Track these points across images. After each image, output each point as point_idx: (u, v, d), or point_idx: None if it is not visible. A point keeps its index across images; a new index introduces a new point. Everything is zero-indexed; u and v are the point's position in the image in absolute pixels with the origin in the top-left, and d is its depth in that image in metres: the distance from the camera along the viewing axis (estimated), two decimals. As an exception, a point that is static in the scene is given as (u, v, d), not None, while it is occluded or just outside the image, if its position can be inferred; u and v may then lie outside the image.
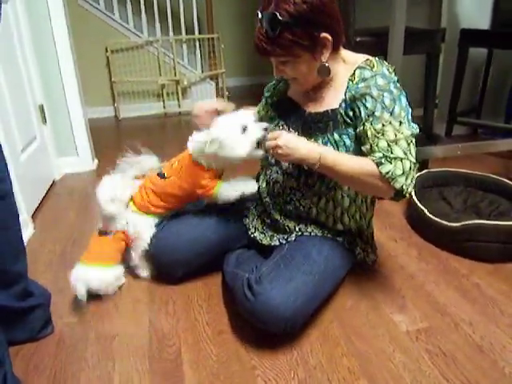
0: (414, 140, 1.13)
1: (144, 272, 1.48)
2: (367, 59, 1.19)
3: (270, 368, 1.11)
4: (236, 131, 1.23)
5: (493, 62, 2.75)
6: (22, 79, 2.11)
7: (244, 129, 1.23)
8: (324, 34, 1.09)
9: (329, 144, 1.20)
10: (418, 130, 1.15)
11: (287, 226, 1.34)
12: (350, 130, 1.18)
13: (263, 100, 1.45)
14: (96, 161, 2.67)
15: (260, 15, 1.09)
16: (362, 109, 1.14)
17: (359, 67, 1.17)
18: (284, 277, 1.15)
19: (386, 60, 1.84)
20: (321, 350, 1.16)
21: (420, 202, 1.71)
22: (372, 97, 1.12)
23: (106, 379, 1.10)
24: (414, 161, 1.11)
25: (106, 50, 3.76)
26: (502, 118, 2.88)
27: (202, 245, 1.40)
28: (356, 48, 1.90)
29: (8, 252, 1.07)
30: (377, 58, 1.20)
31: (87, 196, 2.26)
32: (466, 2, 2.68)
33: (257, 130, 1.22)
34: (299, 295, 1.13)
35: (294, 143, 1.12)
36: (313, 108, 1.26)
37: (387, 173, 1.08)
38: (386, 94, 1.12)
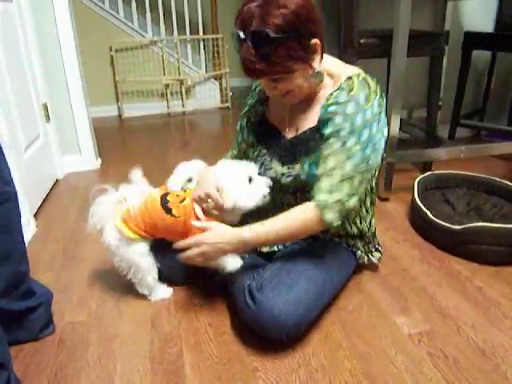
0: (354, 178, 1.09)
1: (144, 290, 1.39)
2: (350, 77, 1.13)
3: (272, 370, 1.11)
4: (244, 183, 1.20)
5: (496, 65, 2.75)
6: (26, 77, 2.11)
7: (250, 179, 1.21)
8: (314, 40, 1.05)
9: (315, 164, 1.16)
10: (374, 164, 1.13)
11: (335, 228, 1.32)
12: None
13: (241, 132, 1.40)
14: (99, 160, 2.68)
15: (243, 35, 1.00)
16: (324, 132, 1.13)
17: (340, 88, 1.12)
18: (285, 284, 1.14)
19: (389, 62, 1.86)
20: (323, 352, 1.16)
21: (423, 204, 1.71)
22: (333, 124, 1.10)
23: (107, 380, 1.10)
24: (340, 197, 1.09)
25: (111, 49, 3.77)
26: (505, 121, 2.88)
27: None
28: (360, 50, 1.92)
29: (15, 254, 1.08)
30: (361, 77, 1.12)
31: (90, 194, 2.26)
32: (469, 5, 2.68)
33: (262, 183, 1.22)
34: (301, 302, 1.12)
35: (215, 244, 1.13)
36: (294, 130, 1.24)
37: (317, 203, 1.10)
38: (346, 125, 1.08)
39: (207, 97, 4.11)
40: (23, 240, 1.13)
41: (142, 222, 1.26)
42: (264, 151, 1.30)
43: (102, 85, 3.81)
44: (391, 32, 1.80)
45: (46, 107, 2.33)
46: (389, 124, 1.90)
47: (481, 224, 1.50)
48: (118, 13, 3.77)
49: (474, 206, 1.81)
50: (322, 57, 1.12)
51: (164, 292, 1.40)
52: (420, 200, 1.75)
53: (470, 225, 1.51)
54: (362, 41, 1.94)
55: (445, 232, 1.58)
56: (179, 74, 3.94)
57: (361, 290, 1.41)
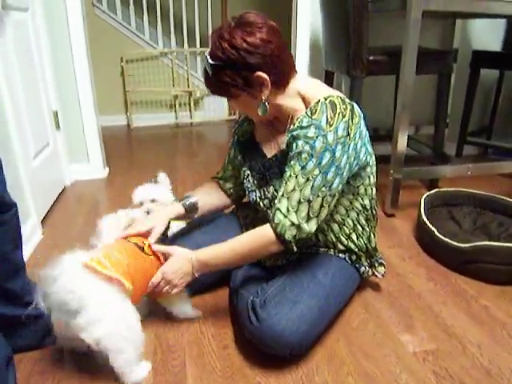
0: (312, 202, 1.09)
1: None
2: (317, 101, 1.12)
3: (275, 385, 1.10)
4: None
5: (504, 84, 2.76)
6: (38, 85, 2.14)
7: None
8: (259, 74, 1.08)
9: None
10: (337, 189, 1.12)
11: (291, 248, 1.33)
12: None
13: (233, 150, 1.46)
14: (107, 169, 2.70)
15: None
16: (288, 155, 1.15)
17: (306, 112, 1.13)
18: (289, 301, 1.14)
19: (398, 79, 1.87)
20: (326, 368, 1.15)
21: (429, 222, 1.71)
22: (296, 146, 1.11)
23: (110, 389, 1.10)
24: (296, 222, 1.09)
25: (122, 60, 3.81)
26: (513, 140, 2.88)
27: None
28: (368, 66, 1.94)
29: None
30: (328, 101, 1.10)
31: (97, 203, 2.28)
32: (478, 24, 2.70)
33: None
34: (304, 320, 1.11)
35: (174, 268, 1.18)
36: (269, 152, 1.29)
37: (275, 223, 1.11)
38: (306, 148, 1.08)
39: (215, 109, 4.14)
40: (16, 256, 1.13)
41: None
42: (248, 172, 1.34)
43: (112, 94, 3.85)
44: (400, 49, 1.82)
45: (56, 115, 2.35)
46: (396, 140, 1.91)
47: (488, 243, 1.50)
48: (130, 24, 3.83)
49: (481, 224, 1.80)
50: (279, 88, 1.15)
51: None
52: (426, 217, 1.74)
53: (478, 243, 1.50)
54: (370, 58, 1.95)
55: (452, 250, 1.57)
56: (188, 86, 3.98)
57: (365, 306, 1.40)
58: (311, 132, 1.08)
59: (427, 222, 1.71)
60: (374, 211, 1.35)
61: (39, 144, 2.08)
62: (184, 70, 3.98)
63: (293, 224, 1.09)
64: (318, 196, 1.09)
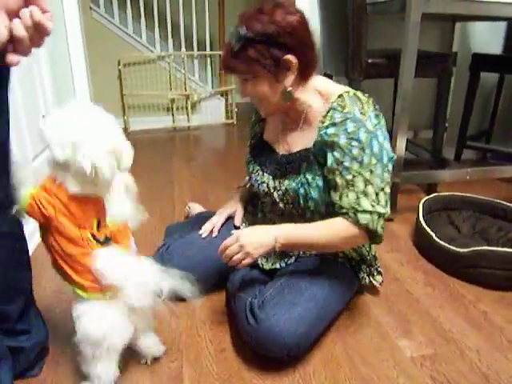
0: (385, 188, 1.13)
1: None
2: (340, 95, 1.13)
3: (272, 389, 1.09)
4: None
5: (504, 87, 2.75)
6: (36, 90, 2.13)
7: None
8: (288, 56, 1.07)
9: (301, 185, 1.19)
10: (391, 167, 1.15)
11: (290, 252, 1.33)
12: (323, 170, 1.16)
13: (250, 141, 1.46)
14: (104, 172, 2.68)
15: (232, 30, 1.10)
16: (329, 157, 1.12)
17: (332, 108, 1.13)
18: (287, 302, 1.13)
19: (397, 82, 1.87)
20: (323, 372, 1.14)
21: (428, 226, 1.70)
22: (340, 146, 1.09)
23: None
24: (383, 211, 1.12)
25: (119, 63, 3.81)
26: (512, 144, 2.87)
27: (206, 268, 1.38)
28: (367, 69, 1.93)
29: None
30: (351, 94, 1.14)
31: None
32: (478, 26, 2.70)
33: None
34: (302, 322, 1.11)
35: (254, 235, 1.15)
36: (287, 149, 1.26)
37: (365, 224, 1.11)
38: (354, 143, 1.08)
39: (213, 112, 4.13)
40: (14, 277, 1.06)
41: None
42: (257, 167, 1.33)
43: (109, 98, 3.83)
44: (399, 52, 1.82)
45: (53, 118, 2.34)
46: (395, 144, 1.90)
47: (487, 248, 1.49)
48: (127, 27, 3.83)
49: (480, 229, 1.80)
50: (303, 79, 1.14)
51: None
52: (425, 221, 1.74)
53: (476, 248, 1.49)
54: (369, 60, 1.95)
55: (450, 255, 1.56)
56: (185, 90, 3.97)
57: (363, 311, 1.39)
58: (350, 126, 1.09)
59: (425, 227, 1.70)
60: None
61: (38, 147, 2.07)
62: (181, 73, 3.97)
63: (379, 215, 1.11)
64: (386, 182, 1.12)
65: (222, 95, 4.16)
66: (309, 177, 1.17)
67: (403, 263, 1.69)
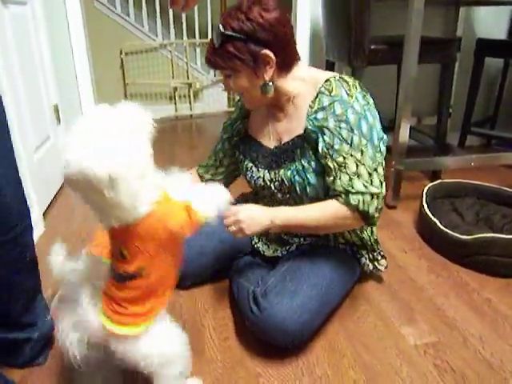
0: (378, 168, 1.12)
1: None
2: (327, 80, 1.14)
3: (275, 376, 1.10)
4: None
5: (509, 73, 2.72)
6: (38, 79, 2.13)
7: None
8: (265, 51, 1.08)
9: (296, 173, 1.19)
10: (384, 152, 1.15)
11: (291, 239, 1.33)
12: (317, 154, 1.16)
13: (221, 142, 1.47)
14: (107, 162, 2.68)
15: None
16: (320, 142, 1.12)
17: (320, 92, 1.14)
18: (290, 290, 1.14)
19: (400, 68, 1.85)
20: (327, 360, 1.15)
21: (431, 214, 1.69)
22: (329, 129, 1.10)
23: (110, 382, 1.10)
24: (377, 191, 1.11)
25: (121, 52, 3.79)
26: (517, 130, 2.85)
27: (208, 257, 1.39)
28: (370, 56, 1.91)
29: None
30: (337, 77, 1.15)
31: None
32: (482, 11, 2.66)
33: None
34: (305, 309, 1.12)
35: (252, 214, 1.12)
36: (277, 140, 1.26)
37: (355, 205, 1.10)
38: (342, 125, 1.09)
39: (215, 101, 4.12)
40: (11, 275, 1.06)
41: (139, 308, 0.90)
42: (250, 164, 1.32)
43: (111, 87, 3.83)
44: (402, 38, 1.80)
45: (56, 109, 2.34)
46: (398, 131, 1.89)
47: (491, 235, 1.48)
48: (129, 16, 3.80)
49: (484, 216, 1.79)
50: (283, 71, 1.15)
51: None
52: (428, 209, 1.73)
53: (481, 235, 1.49)
54: (372, 47, 1.93)
55: (454, 242, 1.56)
56: (188, 78, 3.95)
57: (366, 298, 1.40)
58: (338, 109, 1.10)
59: (429, 214, 1.69)
60: None
61: (40, 138, 2.07)
62: (183, 61, 3.95)
63: (372, 195, 1.11)
64: (378, 163, 1.12)
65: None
66: (304, 162, 1.18)
67: (407, 251, 1.69)
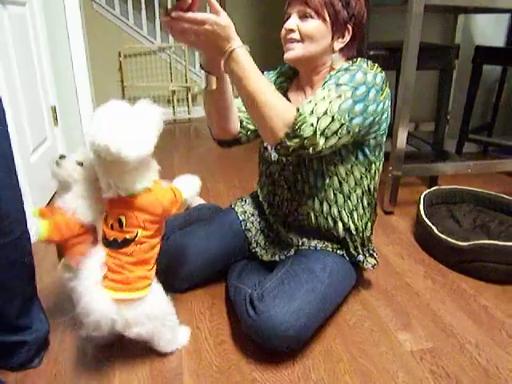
0: (334, 121, 1.03)
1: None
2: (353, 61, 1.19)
3: (271, 381, 1.09)
4: None
5: (507, 80, 2.74)
6: (36, 80, 2.12)
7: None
8: (350, 27, 1.15)
9: None
10: (355, 128, 1.07)
11: (290, 238, 1.33)
12: None
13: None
14: (105, 164, 2.68)
15: None
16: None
17: (343, 65, 1.17)
18: (287, 294, 1.14)
19: (398, 75, 1.86)
20: (323, 365, 1.15)
21: (428, 220, 1.70)
22: (336, 76, 1.11)
23: (106, 384, 1.09)
24: (315, 126, 1.01)
25: (119, 55, 3.79)
26: (514, 137, 2.86)
27: (205, 259, 1.39)
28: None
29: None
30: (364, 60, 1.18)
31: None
32: (481, 18, 2.68)
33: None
34: (302, 314, 1.11)
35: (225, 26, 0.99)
36: None
37: (301, 113, 1.01)
38: (346, 76, 1.09)
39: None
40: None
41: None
42: None
43: (109, 89, 3.82)
44: (401, 44, 1.80)
45: (54, 110, 2.33)
46: (396, 137, 1.89)
47: (488, 241, 1.48)
48: (128, 19, 3.80)
49: (481, 222, 1.79)
50: (348, 50, 1.19)
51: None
52: (425, 215, 1.73)
53: (477, 242, 1.49)
54: (371, 53, 1.94)
55: (451, 248, 1.56)
56: (186, 81, 3.96)
57: (363, 304, 1.39)
58: (352, 68, 1.12)
59: (426, 220, 1.70)
60: (374, 200, 1.35)
61: (37, 139, 2.06)
62: (182, 65, 3.95)
63: (312, 125, 1.00)
64: (339, 120, 1.03)
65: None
66: None
67: (403, 256, 1.69)
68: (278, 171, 1.32)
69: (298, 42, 1.15)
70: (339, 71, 1.13)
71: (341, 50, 1.18)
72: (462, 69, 2.66)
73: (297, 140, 1.01)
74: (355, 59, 1.17)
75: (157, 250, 1.10)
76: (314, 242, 1.32)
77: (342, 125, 1.04)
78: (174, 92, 3.98)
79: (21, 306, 1.09)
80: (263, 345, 1.14)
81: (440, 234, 1.60)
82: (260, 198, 1.43)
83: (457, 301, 1.41)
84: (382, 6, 2.09)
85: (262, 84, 1.00)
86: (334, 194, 1.26)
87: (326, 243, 1.32)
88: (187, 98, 4.00)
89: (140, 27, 3.85)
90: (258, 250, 1.40)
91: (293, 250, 1.32)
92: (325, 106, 1.03)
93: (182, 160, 2.85)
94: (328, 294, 1.21)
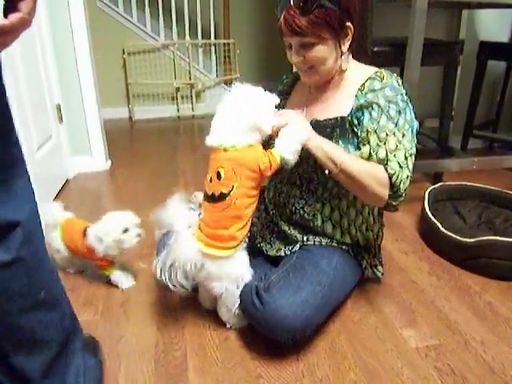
0: (413, 155, 1.15)
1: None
2: (377, 71, 1.21)
3: (276, 378, 1.10)
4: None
5: (511, 76, 2.72)
6: (41, 78, 2.13)
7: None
8: (349, 24, 1.13)
9: None
10: (414, 150, 1.17)
11: (295, 236, 1.33)
12: (355, 140, 1.18)
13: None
14: (109, 161, 2.69)
15: None
16: (366, 116, 1.14)
17: (370, 78, 1.19)
18: (293, 286, 1.14)
19: (402, 71, 1.85)
20: (327, 362, 1.15)
21: (433, 216, 1.69)
22: (379, 106, 1.13)
23: (111, 379, 1.10)
24: (410, 174, 1.15)
25: (123, 52, 3.80)
26: (519, 133, 2.85)
27: None
28: (373, 58, 1.91)
29: None
30: (387, 71, 1.21)
31: (99, 196, 2.27)
32: (485, 14, 2.66)
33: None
34: (308, 305, 1.12)
35: (299, 120, 1.14)
36: (320, 114, 1.25)
37: (391, 174, 1.11)
38: (392, 106, 1.13)
39: (217, 101, 4.09)
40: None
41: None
42: None
43: (114, 87, 3.83)
44: (405, 40, 1.79)
45: (59, 108, 2.34)
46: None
47: (493, 237, 1.48)
48: (132, 16, 3.81)
49: (486, 219, 1.78)
50: (350, 47, 1.19)
51: None
52: (430, 211, 1.73)
53: (482, 238, 1.49)
54: (375, 49, 1.92)
55: (455, 245, 1.55)
56: (190, 78, 3.96)
57: (368, 300, 1.39)
58: (388, 92, 1.15)
59: (431, 217, 1.69)
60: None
61: (42, 137, 2.07)
62: (186, 62, 3.95)
63: (407, 177, 1.14)
64: (413, 148, 1.15)
65: (226, 84, 4.14)
66: (341, 143, 1.19)
67: (408, 253, 1.68)
68: (292, 167, 1.30)
69: (311, 68, 1.19)
70: (375, 91, 1.15)
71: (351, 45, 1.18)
72: (467, 64, 2.65)
73: (401, 199, 1.16)
74: (378, 72, 1.19)
75: (250, 209, 1.15)
76: (318, 238, 1.32)
77: (414, 152, 1.17)
78: (177, 89, 3.98)
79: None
80: (268, 336, 1.15)
81: (445, 231, 1.60)
82: (265, 195, 1.43)
83: (462, 297, 1.41)
84: (385, 1, 2.08)
85: (349, 167, 1.10)
86: (348, 207, 1.28)
87: (332, 240, 1.32)
88: (191, 95, 4.01)
89: (144, 24, 3.85)
90: (263, 244, 1.40)
91: (298, 245, 1.32)
92: (402, 153, 1.12)
93: (186, 156, 2.85)
94: (333, 287, 1.21)
